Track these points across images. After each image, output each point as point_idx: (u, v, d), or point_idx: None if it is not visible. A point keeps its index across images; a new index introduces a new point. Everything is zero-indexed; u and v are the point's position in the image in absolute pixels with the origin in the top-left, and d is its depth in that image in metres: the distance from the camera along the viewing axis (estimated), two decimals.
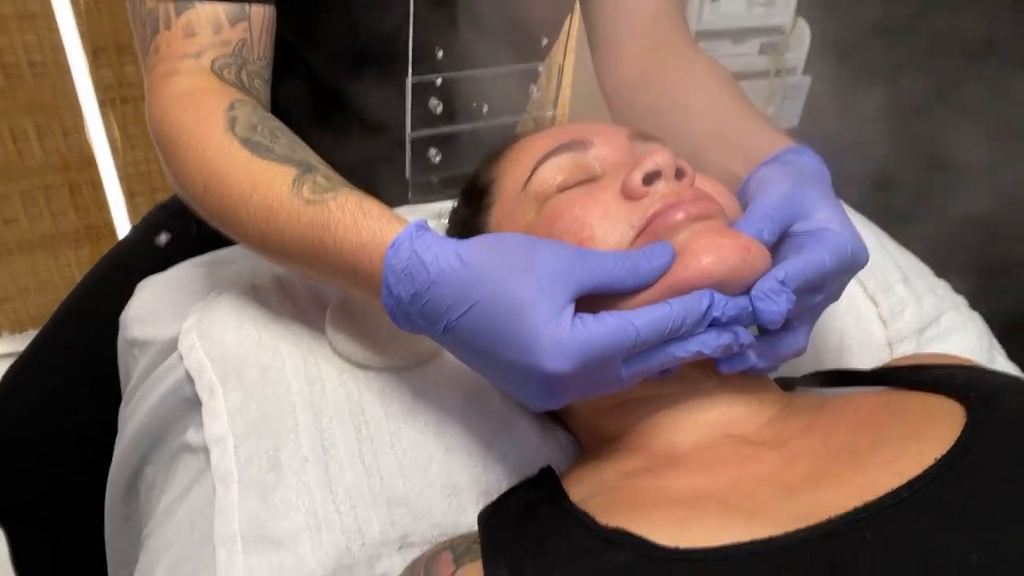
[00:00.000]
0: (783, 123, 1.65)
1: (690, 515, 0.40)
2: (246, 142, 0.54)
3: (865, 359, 0.66)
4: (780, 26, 1.61)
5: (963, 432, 0.40)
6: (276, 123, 0.58)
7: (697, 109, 0.65)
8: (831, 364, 0.66)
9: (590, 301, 0.44)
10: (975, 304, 0.74)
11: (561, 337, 0.41)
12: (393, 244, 0.46)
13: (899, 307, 0.68)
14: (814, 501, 0.39)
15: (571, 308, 0.42)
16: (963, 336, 0.68)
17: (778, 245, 0.49)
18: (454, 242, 0.45)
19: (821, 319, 0.66)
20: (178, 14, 0.60)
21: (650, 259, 0.44)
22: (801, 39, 1.63)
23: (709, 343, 0.44)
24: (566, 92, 1.62)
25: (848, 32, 1.53)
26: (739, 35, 1.60)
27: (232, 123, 0.55)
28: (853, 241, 0.48)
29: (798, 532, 0.36)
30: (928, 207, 1.31)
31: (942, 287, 0.73)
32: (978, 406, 0.42)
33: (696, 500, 0.42)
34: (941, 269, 0.76)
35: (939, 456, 0.39)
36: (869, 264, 0.71)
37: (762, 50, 1.63)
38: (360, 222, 0.48)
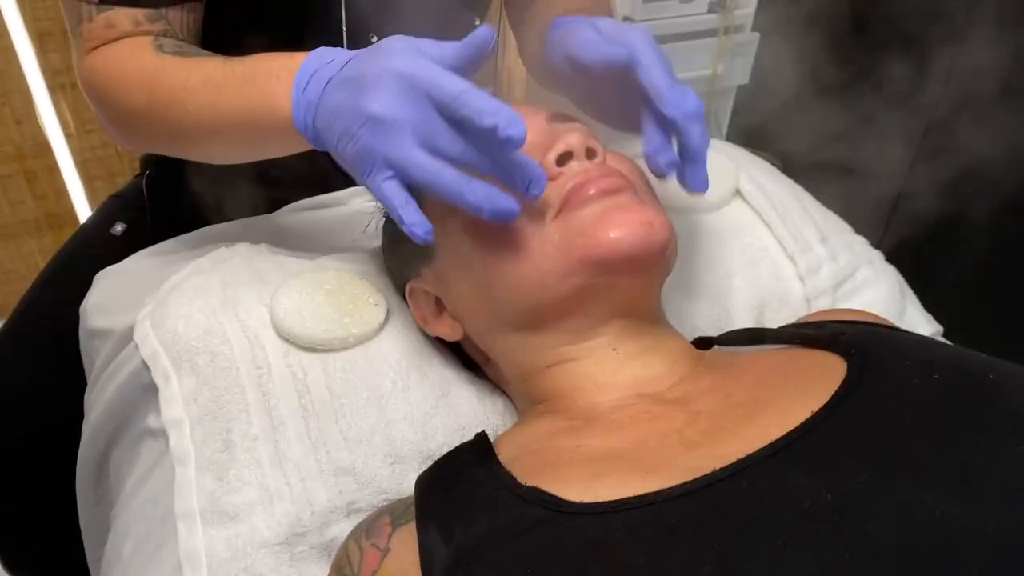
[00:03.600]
0: (734, 81, 1.68)
1: (598, 472, 0.44)
2: (176, 53, 0.62)
3: (784, 316, 0.70)
4: None
5: (839, 388, 0.45)
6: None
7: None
8: (753, 322, 0.70)
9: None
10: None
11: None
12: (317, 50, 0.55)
13: (816, 264, 0.72)
14: (709, 455, 0.43)
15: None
16: (875, 290, 0.72)
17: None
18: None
19: (745, 280, 0.70)
20: (98, 13, 0.64)
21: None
22: None
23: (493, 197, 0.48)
24: (515, 67, 1.62)
25: None
26: None
27: (159, 48, 0.63)
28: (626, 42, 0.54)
29: (686, 484, 0.41)
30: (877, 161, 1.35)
31: (859, 243, 0.77)
32: (856, 363, 0.47)
33: (606, 458, 0.46)
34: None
35: (815, 410, 0.43)
36: (789, 226, 0.75)
37: (711, 8, 1.64)
38: (294, 53, 0.56)
